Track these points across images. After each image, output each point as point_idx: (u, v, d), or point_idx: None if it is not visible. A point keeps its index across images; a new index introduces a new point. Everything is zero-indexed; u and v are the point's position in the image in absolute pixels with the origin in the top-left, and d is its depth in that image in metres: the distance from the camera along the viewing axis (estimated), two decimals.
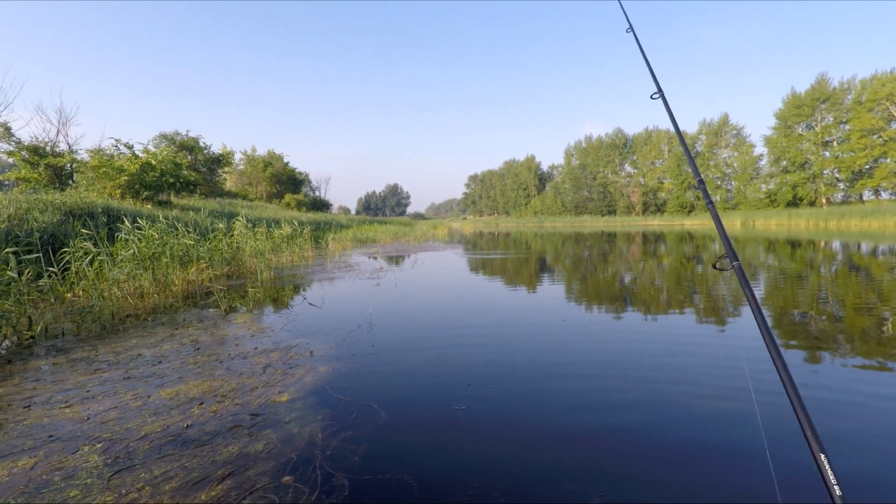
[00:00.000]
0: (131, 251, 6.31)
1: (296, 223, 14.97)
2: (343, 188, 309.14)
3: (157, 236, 7.14)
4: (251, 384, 3.03)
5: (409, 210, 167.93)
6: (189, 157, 27.16)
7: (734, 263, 1.30)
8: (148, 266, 6.39)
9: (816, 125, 47.48)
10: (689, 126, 64.60)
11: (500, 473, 1.98)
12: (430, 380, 3.10)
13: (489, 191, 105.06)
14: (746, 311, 5.22)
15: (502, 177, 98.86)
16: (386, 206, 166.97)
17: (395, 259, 12.52)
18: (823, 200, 47.26)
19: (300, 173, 49.54)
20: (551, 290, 7.02)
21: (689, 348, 3.77)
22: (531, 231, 38.27)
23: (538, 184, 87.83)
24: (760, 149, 54.94)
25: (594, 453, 2.14)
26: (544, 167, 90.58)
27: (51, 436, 2.35)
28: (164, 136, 26.56)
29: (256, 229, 11.06)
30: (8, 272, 4.46)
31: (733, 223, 43.98)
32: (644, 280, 8.07)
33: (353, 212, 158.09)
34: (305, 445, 2.20)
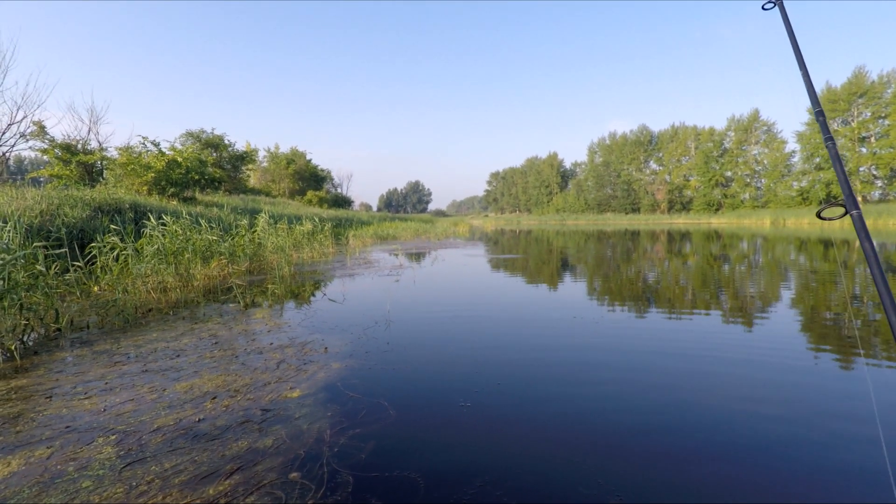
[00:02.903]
0: (156, 246, 6.44)
1: (317, 220, 15.13)
2: (365, 185, 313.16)
3: (180, 232, 7.28)
4: (264, 379, 3.05)
5: (431, 207, 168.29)
6: (214, 154, 27.74)
7: (853, 212, 1.11)
8: (171, 261, 6.52)
9: (853, 120, 45.68)
10: (716, 122, 62.96)
11: (507, 472, 1.93)
12: (442, 378, 3.06)
13: (511, 188, 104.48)
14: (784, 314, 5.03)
15: (524, 174, 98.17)
16: (407, 203, 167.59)
17: (415, 256, 12.51)
18: (860, 199, 45.40)
19: (322, 170, 50.08)
20: (571, 289, 6.90)
21: (726, 351, 3.64)
22: (553, 229, 37.90)
23: (560, 181, 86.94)
24: (792, 145, 53.29)
25: (613, 456, 2.07)
26: (567, 164, 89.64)
27: (68, 426, 2.40)
28: (190, 134, 27.18)
29: (278, 225, 11.20)
30: (37, 266, 4.60)
31: (762, 222, 42.69)
32: (671, 279, 7.86)
33: (375, 208, 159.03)
34: (314, 442, 2.19)
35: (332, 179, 65.45)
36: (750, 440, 2.20)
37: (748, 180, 56.99)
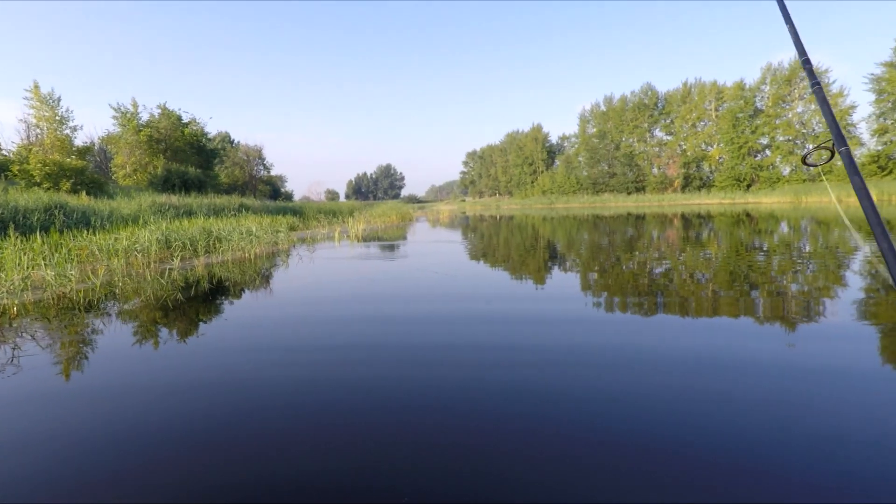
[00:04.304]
0: None
1: None
2: (334, 170, 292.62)
3: None
4: None
5: (404, 192, 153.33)
6: None
7: (842, 149, 1.10)
8: None
9: None
10: (746, 74, 49.51)
11: None
12: None
13: (489, 168, 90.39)
14: None
15: (504, 152, 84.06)
16: (378, 188, 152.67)
17: None
18: None
19: (213, 138, 35.44)
20: None
21: None
22: (539, 214, 31.85)
23: (546, 158, 73.11)
24: (855, 97, 40.11)
25: None
26: (553, 139, 75.79)
27: None
28: None
29: None
30: None
31: (810, 200, 29.60)
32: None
33: (343, 196, 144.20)
34: None
35: (256, 159, 50.74)
36: None
37: (792, 148, 43.80)
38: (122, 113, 29.81)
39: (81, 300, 5.18)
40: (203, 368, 3.08)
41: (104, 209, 13.21)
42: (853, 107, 40.20)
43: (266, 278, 6.78)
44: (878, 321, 3.76)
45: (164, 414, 2.37)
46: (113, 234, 9.13)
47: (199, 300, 5.19)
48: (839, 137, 1.12)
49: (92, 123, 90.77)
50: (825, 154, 1.20)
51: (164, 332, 3.98)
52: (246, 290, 5.78)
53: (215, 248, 9.30)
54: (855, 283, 5.33)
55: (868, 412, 2.20)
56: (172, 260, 7.94)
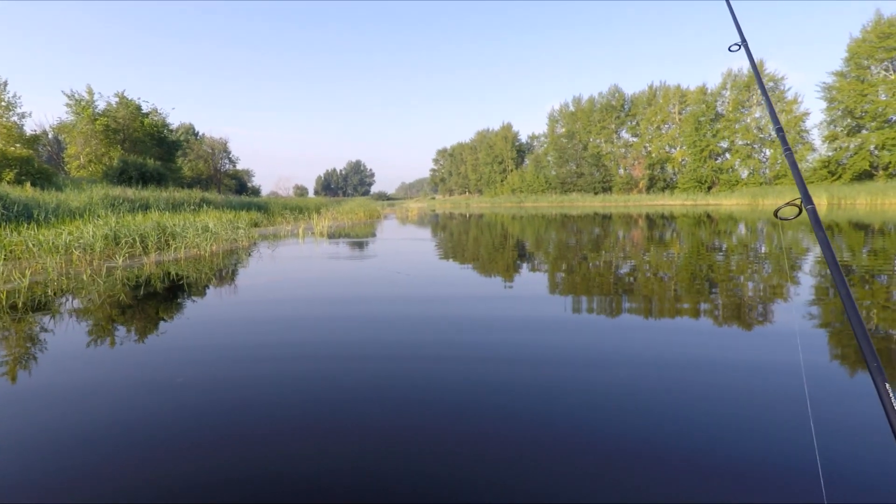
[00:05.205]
0: None
1: None
2: (303, 166, 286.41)
3: None
4: None
5: (374, 189, 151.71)
6: None
7: (808, 207, 1.26)
8: None
9: None
10: (708, 79, 51.22)
11: None
12: None
13: (459, 166, 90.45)
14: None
15: (474, 150, 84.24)
16: (348, 184, 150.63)
17: None
18: None
19: (175, 130, 34.12)
20: None
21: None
22: (508, 212, 32.20)
23: (516, 157, 73.68)
24: (808, 104, 41.94)
25: None
26: (523, 138, 76.42)
27: None
28: None
29: None
30: None
31: (766, 202, 30.99)
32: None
33: (312, 192, 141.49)
34: None
35: (221, 152, 49.09)
36: None
37: (749, 152, 45.47)
38: (77, 100, 28.27)
39: (3, 302, 4.77)
40: (127, 376, 2.84)
41: (50, 202, 12.45)
42: (806, 114, 42.05)
43: (220, 278, 6.47)
44: (826, 320, 3.83)
45: (67, 422, 2.14)
46: (57, 228, 8.56)
47: (141, 303, 4.87)
48: (806, 196, 1.29)
49: (44, 112, 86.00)
50: (794, 210, 1.34)
51: (90, 338, 3.69)
52: (195, 291, 5.48)
53: (168, 245, 8.84)
54: (806, 282, 5.48)
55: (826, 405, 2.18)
56: (118, 258, 7.48)
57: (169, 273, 6.61)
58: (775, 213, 1.34)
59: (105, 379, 2.83)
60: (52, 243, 7.15)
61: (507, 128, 75.65)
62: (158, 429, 2.14)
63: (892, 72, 34.33)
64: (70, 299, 5.01)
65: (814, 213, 1.24)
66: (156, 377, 2.81)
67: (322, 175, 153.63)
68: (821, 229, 1.19)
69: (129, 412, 2.33)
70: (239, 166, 56.79)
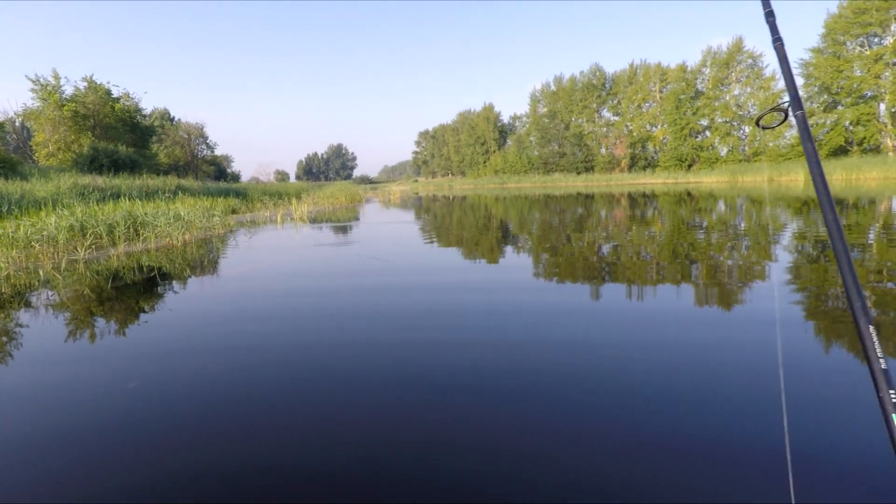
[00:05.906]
0: None
1: None
2: (284, 151, 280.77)
3: None
4: None
5: (357, 173, 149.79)
6: None
7: (797, 112, 1.03)
8: None
9: (889, 37, 33.83)
10: (688, 57, 50.99)
11: None
12: None
13: (442, 148, 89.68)
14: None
15: (456, 131, 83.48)
16: (330, 168, 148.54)
17: None
18: (891, 144, 34.75)
19: (149, 116, 33.00)
20: None
21: None
22: (491, 194, 32.19)
23: (498, 137, 73.24)
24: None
25: None
26: (505, 118, 75.88)
27: None
28: None
29: None
30: None
31: (745, 179, 31.44)
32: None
33: (293, 177, 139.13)
34: None
35: (198, 137, 47.68)
36: None
37: (729, 129, 45.79)
38: (42, 85, 27.03)
39: None
40: (71, 374, 2.69)
41: (14, 192, 11.93)
42: (784, 91, 42.36)
43: (192, 268, 6.26)
44: (805, 285, 3.83)
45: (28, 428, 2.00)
46: (19, 220, 8.19)
47: (108, 297, 4.67)
48: (796, 99, 1.03)
49: (8, 98, 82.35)
50: (778, 117, 1.12)
51: (43, 338, 3.51)
52: (163, 283, 5.28)
53: (138, 235, 8.53)
54: (784, 258, 5.51)
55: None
56: (80, 250, 7.17)
57: (135, 265, 6.36)
58: (757, 122, 1.23)
59: (64, 381, 2.67)
60: (11, 236, 6.83)
61: (489, 108, 75.01)
62: (132, 426, 2.02)
63: (867, 47, 34.64)
64: (30, 296, 4.78)
65: (802, 120, 1.07)
66: (115, 377, 2.66)
67: (303, 160, 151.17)
68: (809, 140, 1.04)
69: (99, 413, 2.19)
70: (218, 152, 55.30)
